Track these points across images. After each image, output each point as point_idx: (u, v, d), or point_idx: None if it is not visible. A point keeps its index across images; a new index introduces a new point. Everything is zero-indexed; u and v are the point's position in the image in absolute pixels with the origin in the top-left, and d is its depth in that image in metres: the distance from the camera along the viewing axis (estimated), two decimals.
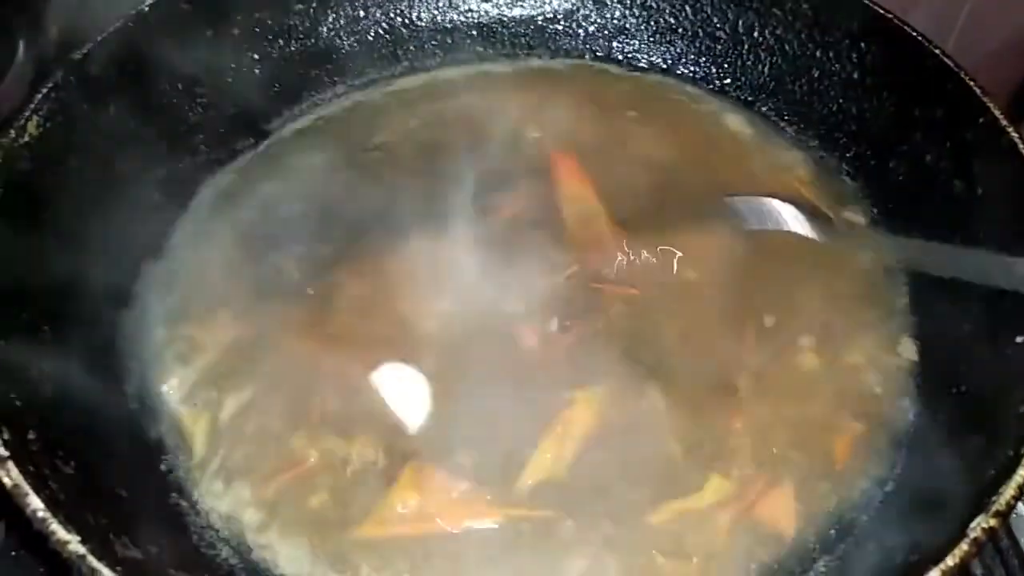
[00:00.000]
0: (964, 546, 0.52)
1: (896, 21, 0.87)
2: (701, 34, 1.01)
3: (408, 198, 0.83)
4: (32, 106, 0.73)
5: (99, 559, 0.50)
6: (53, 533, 0.51)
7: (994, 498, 0.55)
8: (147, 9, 0.84)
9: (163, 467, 0.69)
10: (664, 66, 1.02)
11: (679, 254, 0.79)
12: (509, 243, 0.79)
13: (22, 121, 0.72)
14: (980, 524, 0.53)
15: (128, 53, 0.82)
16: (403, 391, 0.70)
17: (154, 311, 0.78)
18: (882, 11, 0.88)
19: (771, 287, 0.79)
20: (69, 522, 0.52)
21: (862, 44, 0.90)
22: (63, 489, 0.56)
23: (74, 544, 0.51)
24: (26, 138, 0.72)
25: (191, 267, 0.82)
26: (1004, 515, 0.54)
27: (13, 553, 0.71)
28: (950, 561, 0.52)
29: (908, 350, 0.77)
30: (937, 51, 0.82)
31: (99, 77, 0.80)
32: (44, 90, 0.75)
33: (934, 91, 0.83)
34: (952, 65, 0.81)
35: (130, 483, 0.64)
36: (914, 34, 0.85)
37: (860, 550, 0.65)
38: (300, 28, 0.97)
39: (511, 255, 0.78)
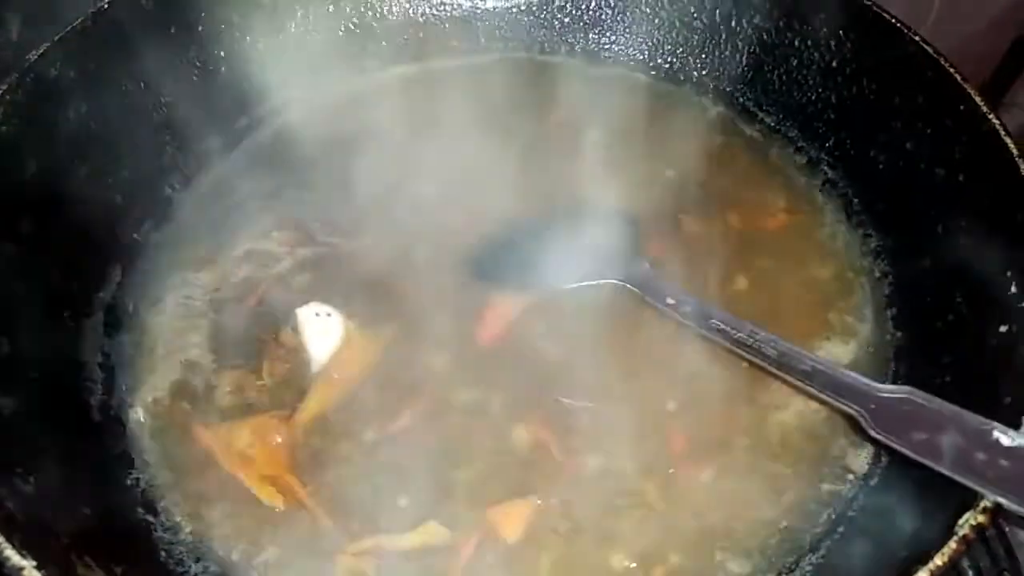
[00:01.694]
0: (953, 544, 0.51)
1: (875, 9, 0.85)
2: (678, 24, 0.99)
3: (380, 190, 0.82)
4: None
5: None
6: (8, 559, 0.49)
7: None
8: (107, 7, 0.81)
9: (128, 482, 0.67)
10: (641, 57, 1.00)
11: None
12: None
13: None
14: (969, 521, 0.52)
15: (87, 53, 0.79)
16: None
17: (119, 322, 0.76)
18: None
19: None
20: (25, 546, 0.50)
21: (841, 32, 0.89)
22: (21, 508, 0.54)
23: (29, 570, 0.48)
24: None
25: (159, 275, 0.80)
26: (993, 512, 0.53)
27: None
28: (939, 560, 0.51)
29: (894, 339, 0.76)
30: (917, 38, 0.81)
31: (57, 78, 0.77)
32: None
33: (914, 79, 0.81)
34: (932, 52, 0.80)
35: (93, 500, 0.62)
36: (893, 21, 0.84)
37: (847, 547, 0.64)
38: (268, 24, 0.94)
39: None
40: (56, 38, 0.78)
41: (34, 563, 0.48)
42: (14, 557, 0.48)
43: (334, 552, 0.63)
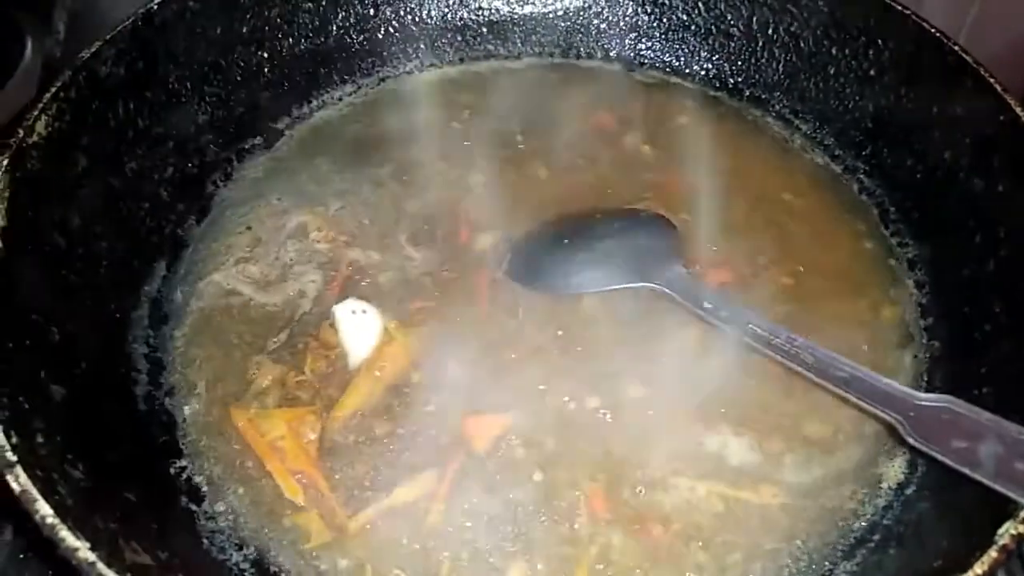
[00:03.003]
0: (993, 553, 0.51)
1: (914, 17, 0.85)
2: (714, 31, 1.00)
3: (416, 191, 0.83)
4: (40, 106, 0.72)
5: (108, 565, 0.50)
6: (62, 540, 0.50)
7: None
8: (155, 7, 0.83)
9: (173, 471, 0.68)
10: (676, 63, 1.01)
11: None
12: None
13: (30, 121, 0.71)
14: (1008, 531, 0.52)
15: (136, 52, 0.82)
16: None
17: (164, 315, 0.78)
18: (899, 7, 0.86)
19: None
20: (77, 528, 0.51)
21: (879, 41, 0.89)
22: (72, 494, 0.55)
23: (83, 551, 0.50)
24: (34, 138, 0.71)
25: (202, 269, 0.81)
26: None
27: (21, 556, 0.70)
28: (979, 569, 0.50)
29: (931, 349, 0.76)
30: (956, 47, 0.81)
31: (107, 76, 0.79)
32: (52, 90, 0.74)
33: (953, 88, 0.81)
34: (972, 61, 0.79)
35: (140, 487, 0.63)
36: (933, 30, 0.84)
37: (881, 556, 0.64)
38: (310, 26, 0.96)
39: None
40: (107, 37, 0.80)
41: (88, 544, 0.50)
42: (69, 538, 0.50)
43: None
